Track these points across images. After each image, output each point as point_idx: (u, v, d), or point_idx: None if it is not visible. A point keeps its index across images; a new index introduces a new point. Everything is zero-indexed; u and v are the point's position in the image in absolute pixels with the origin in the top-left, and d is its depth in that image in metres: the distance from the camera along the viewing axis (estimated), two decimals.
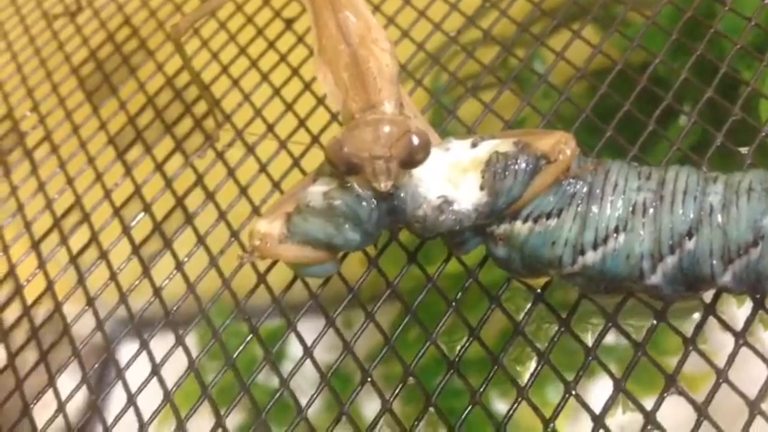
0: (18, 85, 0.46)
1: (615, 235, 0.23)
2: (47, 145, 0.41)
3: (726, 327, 0.25)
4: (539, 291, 0.27)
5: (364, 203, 0.24)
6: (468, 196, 0.24)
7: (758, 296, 0.25)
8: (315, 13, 0.26)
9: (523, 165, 0.23)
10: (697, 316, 0.25)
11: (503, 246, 0.25)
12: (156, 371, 0.29)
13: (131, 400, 0.29)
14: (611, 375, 0.25)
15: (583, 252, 0.23)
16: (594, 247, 0.23)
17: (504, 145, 0.24)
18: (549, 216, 0.23)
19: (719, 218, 0.22)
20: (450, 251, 0.28)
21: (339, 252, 0.26)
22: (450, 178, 0.24)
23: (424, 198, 0.24)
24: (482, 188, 0.24)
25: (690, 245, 0.22)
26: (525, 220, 0.24)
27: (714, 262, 0.22)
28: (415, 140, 0.22)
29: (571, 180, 0.23)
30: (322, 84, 0.25)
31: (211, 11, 0.36)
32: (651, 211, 0.23)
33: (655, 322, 0.25)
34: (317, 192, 0.24)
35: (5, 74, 0.47)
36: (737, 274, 0.22)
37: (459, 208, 0.24)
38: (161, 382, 0.29)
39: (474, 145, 0.25)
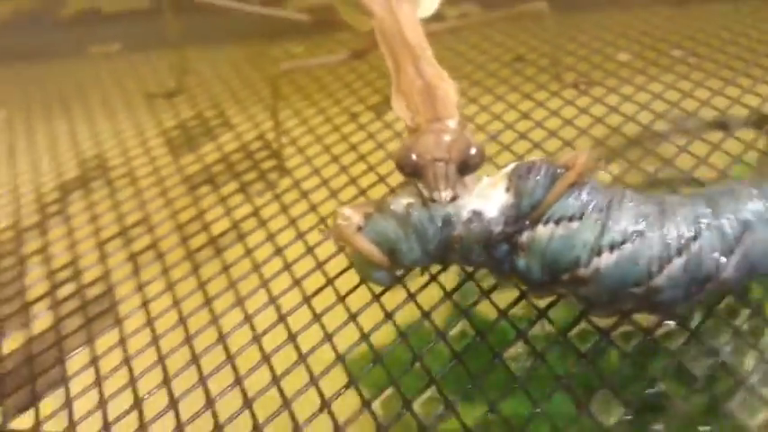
0: None
1: (633, 238, 0.26)
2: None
3: None
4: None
5: (434, 224, 0.27)
6: (495, 203, 0.27)
7: None
8: (396, 64, 0.32)
9: (544, 169, 0.27)
10: None
11: (524, 256, 0.27)
12: None
13: None
14: None
15: (599, 254, 0.26)
16: (611, 249, 0.26)
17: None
18: (570, 219, 0.26)
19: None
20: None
21: (398, 266, 0.29)
22: (482, 194, 0.28)
23: (458, 218, 0.27)
24: (507, 190, 0.27)
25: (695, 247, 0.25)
26: (547, 223, 0.27)
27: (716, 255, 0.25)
28: (472, 146, 0.27)
29: (591, 189, 0.27)
30: (396, 110, 0.30)
31: (315, 66, 0.43)
32: (659, 220, 0.26)
33: None
34: (401, 201, 0.28)
35: None
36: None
37: (488, 216, 0.27)
38: None
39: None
